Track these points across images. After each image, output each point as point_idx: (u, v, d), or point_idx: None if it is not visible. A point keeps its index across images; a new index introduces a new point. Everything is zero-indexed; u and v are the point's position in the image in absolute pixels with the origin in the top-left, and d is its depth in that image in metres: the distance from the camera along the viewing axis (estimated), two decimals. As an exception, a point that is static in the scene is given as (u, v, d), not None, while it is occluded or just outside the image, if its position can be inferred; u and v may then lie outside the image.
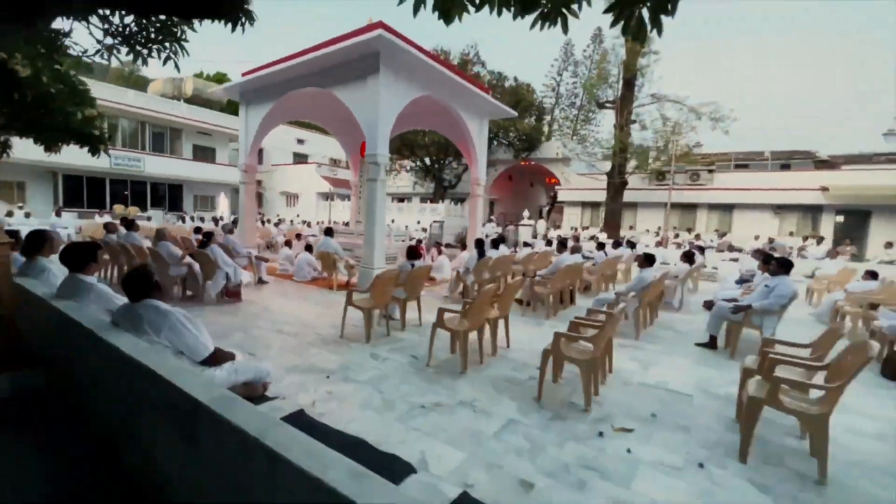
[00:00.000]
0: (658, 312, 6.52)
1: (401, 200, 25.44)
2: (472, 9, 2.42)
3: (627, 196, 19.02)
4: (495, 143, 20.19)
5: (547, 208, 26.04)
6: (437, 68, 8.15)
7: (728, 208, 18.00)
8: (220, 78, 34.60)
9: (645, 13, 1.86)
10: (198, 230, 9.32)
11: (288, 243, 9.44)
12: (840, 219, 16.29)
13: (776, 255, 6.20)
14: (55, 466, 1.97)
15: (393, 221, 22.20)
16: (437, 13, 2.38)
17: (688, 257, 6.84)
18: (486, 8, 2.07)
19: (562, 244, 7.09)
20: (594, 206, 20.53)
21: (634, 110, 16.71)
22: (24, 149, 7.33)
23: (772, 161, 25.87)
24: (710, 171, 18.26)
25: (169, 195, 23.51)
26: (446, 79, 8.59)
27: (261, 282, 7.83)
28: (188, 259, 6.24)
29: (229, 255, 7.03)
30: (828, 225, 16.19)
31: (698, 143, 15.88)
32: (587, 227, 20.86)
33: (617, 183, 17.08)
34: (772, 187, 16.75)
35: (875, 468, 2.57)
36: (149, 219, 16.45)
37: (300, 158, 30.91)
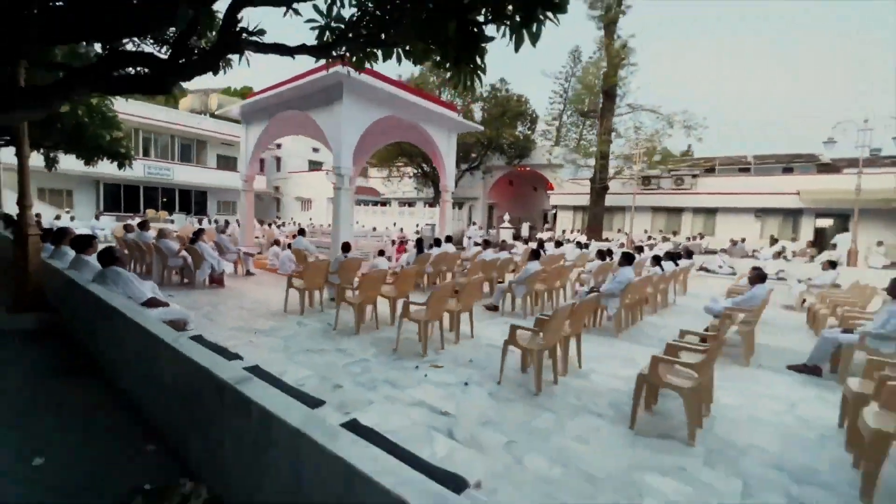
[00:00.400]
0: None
1: (402, 205, 26.96)
2: (380, 59, 3.60)
3: (617, 200, 19.75)
4: (488, 151, 21.38)
5: (553, 212, 26.90)
6: (397, 93, 9.55)
7: (712, 212, 18.46)
8: (245, 92, 37.40)
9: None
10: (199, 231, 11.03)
11: (277, 242, 11.03)
12: (823, 222, 16.50)
13: (624, 250, 7.16)
14: (58, 364, 3.44)
15: (395, 224, 23.78)
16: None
17: (601, 255, 7.87)
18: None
19: (486, 242, 8.29)
20: (585, 209, 21.33)
21: (614, 119, 17.57)
22: (72, 162, 9.25)
23: (775, 164, 25.77)
24: (694, 176, 18.77)
25: (195, 200, 26.07)
26: (408, 101, 9.97)
27: (248, 274, 9.40)
28: (183, 253, 7.86)
29: (220, 251, 8.64)
30: (808, 228, 16.43)
31: (673, 153, 16.58)
32: (578, 230, 21.67)
33: (598, 188, 17.92)
34: (752, 191, 17.13)
35: (592, 392, 3.70)
36: (171, 222, 18.62)
37: (315, 166, 33.09)
